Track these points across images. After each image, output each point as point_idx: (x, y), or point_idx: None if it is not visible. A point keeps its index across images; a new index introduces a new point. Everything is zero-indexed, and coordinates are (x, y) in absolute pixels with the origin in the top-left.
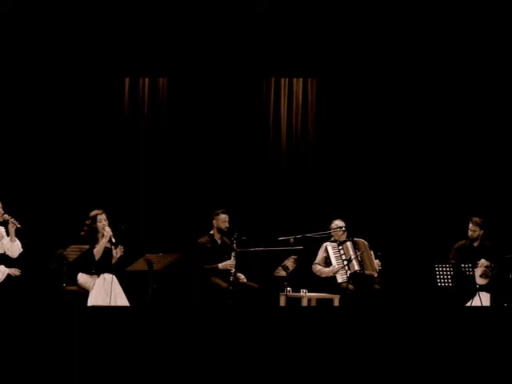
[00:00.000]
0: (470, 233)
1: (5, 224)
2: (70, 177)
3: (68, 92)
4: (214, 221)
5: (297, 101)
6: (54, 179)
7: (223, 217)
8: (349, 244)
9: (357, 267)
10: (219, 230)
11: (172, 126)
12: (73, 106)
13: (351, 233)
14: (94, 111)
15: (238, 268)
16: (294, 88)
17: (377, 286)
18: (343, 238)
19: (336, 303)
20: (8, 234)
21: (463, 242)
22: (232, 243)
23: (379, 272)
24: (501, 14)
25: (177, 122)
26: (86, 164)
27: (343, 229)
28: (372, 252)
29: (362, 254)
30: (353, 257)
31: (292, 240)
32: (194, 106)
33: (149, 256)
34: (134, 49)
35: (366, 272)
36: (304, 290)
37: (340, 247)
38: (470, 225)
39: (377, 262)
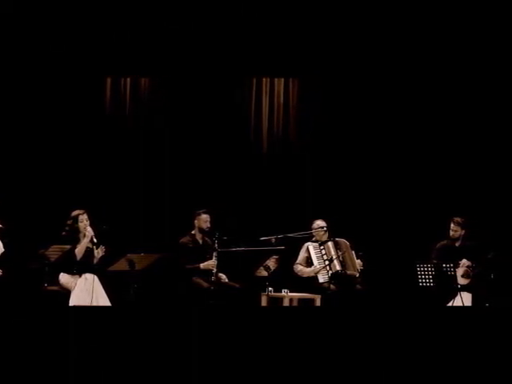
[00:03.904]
0: (451, 233)
1: None
2: (51, 176)
3: (50, 91)
4: (196, 221)
5: (278, 101)
6: (34, 178)
7: (204, 217)
8: (330, 244)
9: (338, 267)
10: (201, 230)
11: (153, 125)
12: (55, 106)
13: (333, 233)
14: (76, 111)
15: (220, 268)
16: (276, 88)
17: (358, 286)
18: (325, 238)
19: (317, 303)
20: None
21: (445, 241)
22: (213, 243)
23: (361, 272)
24: (501, 14)
25: (158, 121)
26: (67, 163)
27: (325, 229)
28: (353, 252)
29: (343, 254)
30: (334, 257)
31: (273, 240)
32: (176, 106)
33: (130, 256)
34: (115, 49)
35: (348, 272)
36: (285, 290)
37: (321, 247)
38: (452, 225)
39: (358, 262)
